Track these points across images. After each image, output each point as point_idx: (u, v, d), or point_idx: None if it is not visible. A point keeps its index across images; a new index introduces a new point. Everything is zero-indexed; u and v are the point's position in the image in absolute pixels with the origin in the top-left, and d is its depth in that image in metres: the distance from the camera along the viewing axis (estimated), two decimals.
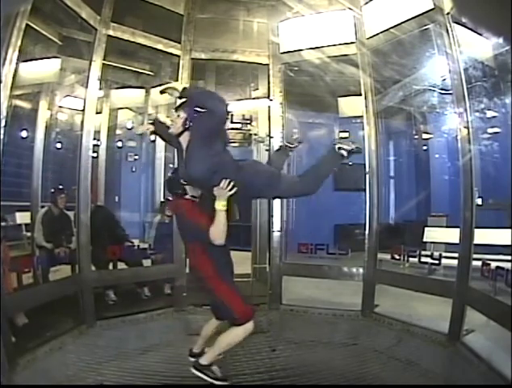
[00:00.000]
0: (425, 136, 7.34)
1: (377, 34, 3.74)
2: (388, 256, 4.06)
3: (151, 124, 2.74)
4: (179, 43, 4.10)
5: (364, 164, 3.97)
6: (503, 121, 5.22)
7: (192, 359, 2.53)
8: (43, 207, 4.26)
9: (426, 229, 5.72)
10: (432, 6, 3.23)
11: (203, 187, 2.41)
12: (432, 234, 5.54)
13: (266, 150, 4.38)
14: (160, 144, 5.28)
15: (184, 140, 2.36)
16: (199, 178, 2.29)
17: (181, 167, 2.39)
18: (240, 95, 4.98)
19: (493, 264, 3.00)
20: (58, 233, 4.05)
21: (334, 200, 7.25)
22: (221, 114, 2.25)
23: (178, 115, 2.34)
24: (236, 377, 2.42)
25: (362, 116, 3.98)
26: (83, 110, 3.55)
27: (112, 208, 5.31)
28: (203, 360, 2.38)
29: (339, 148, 2.56)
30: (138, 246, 4.33)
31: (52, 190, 4.30)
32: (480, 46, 3.61)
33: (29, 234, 4.26)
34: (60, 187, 4.32)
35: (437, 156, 7.21)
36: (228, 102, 2.33)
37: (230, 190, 2.22)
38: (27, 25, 2.77)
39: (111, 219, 4.59)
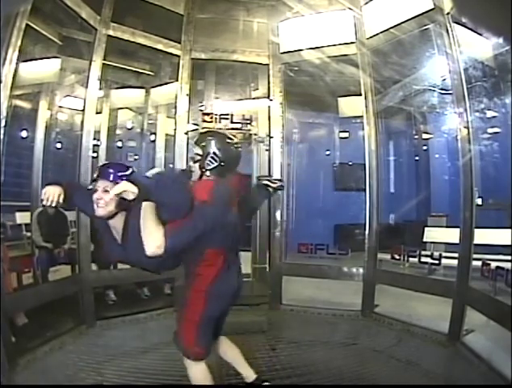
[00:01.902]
0: (425, 136, 7.35)
1: (377, 34, 3.74)
2: (388, 256, 4.06)
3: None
4: (179, 43, 4.10)
5: (364, 164, 3.97)
6: (503, 121, 5.21)
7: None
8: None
9: (426, 229, 5.72)
10: (432, 6, 3.24)
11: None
12: (432, 234, 5.54)
13: (266, 150, 4.38)
14: (160, 144, 5.28)
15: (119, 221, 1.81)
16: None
17: (115, 246, 1.86)
18: (240, 95, 4.97)
19: (493, 264, 3.01)
20: (54, 232, 4.04)
21: (334, 200, 7.26)
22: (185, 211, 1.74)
23: (106, 191, 1.72)
24: (236, 377, 2.41)
25: (362, 116, 3.99)
26: (83, 110, 3.55)
27: None
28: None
29: (265, 184, 2.40)
30: None
31: None
32: (480, 46, 3.61)
33: (29, 234, 4.25)
34: None
35: (437, 156, 7.21)
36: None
37: None
38: (27, 25, 2.77)
39: None
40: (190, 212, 1.74)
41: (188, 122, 4.21)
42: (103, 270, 3.91)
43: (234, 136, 2.09)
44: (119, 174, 1.75)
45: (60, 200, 1.82)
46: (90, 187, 1.85)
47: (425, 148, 7.55)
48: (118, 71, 4.78)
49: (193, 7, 4.16)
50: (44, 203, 1.80)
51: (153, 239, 1.63)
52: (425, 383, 2.59)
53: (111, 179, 1.74)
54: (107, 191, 1.72)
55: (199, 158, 1.97)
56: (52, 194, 1.79)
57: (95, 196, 1.75)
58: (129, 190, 1.66)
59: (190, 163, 2.03)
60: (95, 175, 1.81)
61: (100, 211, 1.75)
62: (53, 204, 1.81)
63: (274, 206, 4.25)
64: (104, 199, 1.73)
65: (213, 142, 1.96)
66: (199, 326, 1.91)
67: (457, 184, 3.26)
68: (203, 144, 1.96)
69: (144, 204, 1.68)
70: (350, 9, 3.91)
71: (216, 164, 1.95)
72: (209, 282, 1.91)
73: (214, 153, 1.94)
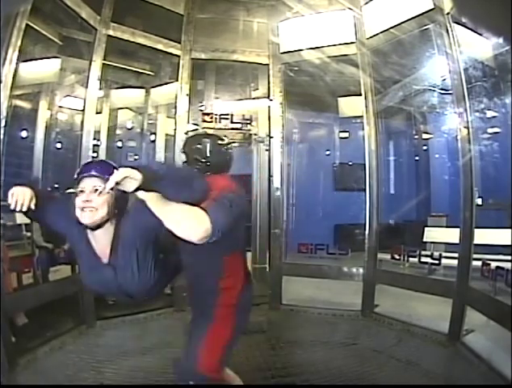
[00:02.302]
0: (425, 136, 7.34)
1: (377, 34, 3.74)
2: (388, 256, 4.06)
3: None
4: (179, 43, 4.10)
5: (364, 164, 3.97)
6: (503, 121, 5.21)
7: None
8: None
9: (426, 229, 5.72)
10: (432, 6, 3.24)
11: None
12: (432, 234, 5.54)
13: (266, 150, 4.38)
14: (160, 144, 5.28)
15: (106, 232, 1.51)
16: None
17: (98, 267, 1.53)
18: (240, 95, 4.97)
19: (493, 264, 3.01)
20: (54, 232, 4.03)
21: (334, 200, 7.26)
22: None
23: (96, 190, 1.42)
24: (237, 371, 2.41)
25: (362, 116, 3.99)
26: (83, 110, 3.55)
27: None
28: None
29: None
30: None
31: (49, 189, 4.28)
32: (480, 46, 3.61)
33: (29, 234, 4.25)
34: (56, 186, 4.31)
35: (437, 156, 7.21)
36: None
37: None
38: (27, 25, 2.77)
39: None
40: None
41: (188, 122, 4.21)
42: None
43: (225, 136, 2.01)
44: (112, 169, 1.38)
45: (32, 206, 1.43)
46: (71, 190, 1.47)
47: (425, 148, 7.54)
48: (118, 71, 4.78)
49: (193, 7, 4.16)
50: (12, 207, 1.40)
51: (198, 222, 1.25)
52: (426, 383, 2.59)
53: (103, 174, 1.40)
54: (97, 190, 1.41)
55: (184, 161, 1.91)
56: (21, 197, 1.41)
57: (81, 198, 1.41)
58: (132, 176, 1.19)
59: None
60: (77, 174, 1.46)
61: (88, 217, 1.40)
62: (23, 209, 1.42)
63: (274, 206, 4.25)
64: (94, 201, 1.40)
65: (196, 144, 1.87)
66: (226, 347, 1.68)
67: (457, 184, 3.27)
68: (187, 149, 1.89)
69: (149, 194, 1.23)
70: (350, 9, 3.91)
71: (200, 166, 1.83)
72: (237, 294, 1.72)
73: (206, 156, 1.83)
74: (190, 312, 1.88)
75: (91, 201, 1.40)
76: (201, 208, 1.30)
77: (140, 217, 1.40)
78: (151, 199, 1.24)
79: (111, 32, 3.63)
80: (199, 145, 1.86)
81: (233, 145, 4.49)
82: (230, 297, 1.70)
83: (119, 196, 1.45)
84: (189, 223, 1.25)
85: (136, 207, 1.42)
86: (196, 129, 4.34)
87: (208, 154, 1.84)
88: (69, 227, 1.52)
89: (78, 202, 1.42)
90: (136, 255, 1.49)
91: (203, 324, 1.70)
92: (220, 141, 1.90)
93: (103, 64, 3.64)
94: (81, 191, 1.43)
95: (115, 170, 1.27)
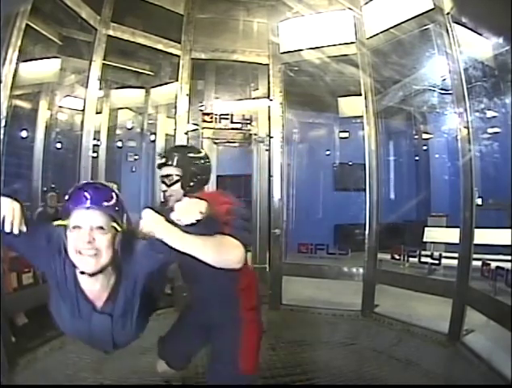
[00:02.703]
0: (425, 136, 7.34)
1: (377, 34, 3.74)
2: (388, 256, 4.06)
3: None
4: (179, 43, 4.10)
5: (364, 164, 3.97)
6: (503, 121, 5.21)
7: None
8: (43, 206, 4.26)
9: (426, 229, 5.72)
10: (432, 6, 3.24)
11: None
12: (432, 234, 5.54)
13: (266, 150, 4.38)
14: (160, 144, 5.28)
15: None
16: None
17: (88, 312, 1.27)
18: (240, 95, 4.97)
19: (493, 264, 3.01)
20: None
21: (334, 200, 7.26)
22: None
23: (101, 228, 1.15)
24: None
25: (362, 116, 3.99)
26: (83, 110, 3.55)
27: None
28: None
29: None
30: None
31: (45, 189, 4.29)
32: (480, 46, 3.61)
33: None
34: (52, 186, 4.31)
35: (437, 156, 7.21)
36: None
37: None
38: (27, 25, 2.77)
39: None
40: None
41: (188, 122, 4.21)
42: None
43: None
44: (110, 193, 1.17)
45: (23, 229, 1.15)
46: (59, 223, 1.15)
47: (425, 148, 7.55)
48: (118, 71, 4.79)
49: (193, 7, 4.16)
50: (7, 228, 1.12)
51: (234, 250, 1.30)
52: (426, 383, 2.59)
53: (100, 202, 1.14)
54: (101, 227, 1.12)
55: (177, 178, 1.72)
56: (11, 213, 1.13)
57: (80, 238, 1.11)
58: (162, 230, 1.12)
59: (164, 188, 1.74)
60: (68, 203, 1.15)
61: (89, 264, 1.12)
62: (15, 231, 1.13)
63: (274, 206, 4.25)
64: (97, 241, 1.11)
65: (191, 158, 1.77)
66: (259, 343, 1.75)
67: (457, 184, 3.27)
68: (182, 162, 1.74)
69: (172, 233, 1.15)
70: (350, 9, 3.91)
71: (196, 180, 1.74)
72: (255, 294, 1.79)
73: (194, 169, 1.75)
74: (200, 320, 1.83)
75: (93, 242, 1.11)
76: (228, 235, 1.32)
77: (148, 263, 1.23)
78: (175, 237, 1.16)
79: (111, 32, 3.63)
80: (198, 161, 1.78)
81: (233, 145, 4.47)
82: (251, 300, 1.74)
83: (127, 234, 1.20)
84: (227, 254, 1.29)
85: (143, 251, 1.22)
86: (196, 129, 4.34)
87: (206, 169, 1.80)
88: (52, 264, 1.21)
89: (75, 243, 1.12)
90: (139, 303, 1.28)
91: (233, 331, 1.69)
92: (203, 154, 1.85)
93: (103, 64, 3.64)
94: (77, 227, 1.12)
95: (113, 195, 1.16)
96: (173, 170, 1.73)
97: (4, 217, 1.12)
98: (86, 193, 1.14)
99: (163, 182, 1.75)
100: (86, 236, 1.10)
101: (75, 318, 1.26)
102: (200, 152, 1.88)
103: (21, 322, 3.13)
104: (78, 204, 1.13)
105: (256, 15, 4.32)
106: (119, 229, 1.15)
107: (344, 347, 3.21)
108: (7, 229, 1.12)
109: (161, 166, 1.76)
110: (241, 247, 1.31)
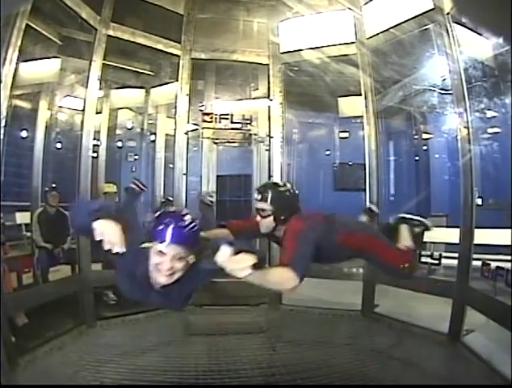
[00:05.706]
0: (425, 136, 7.33)
1: (377, 34, 3.75)
2: None
3: None
4: (179, 43, 4.11)
5: (364, 164, 3.97)
6: (503, 121, 5.21)
7: None
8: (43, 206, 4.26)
9: None
10: (432, 6, 3.24)
11: None
12: (432, 234, 5.52)
13: (266, 150, 4.38)
14: (160, 144, 5.28)
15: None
16: None
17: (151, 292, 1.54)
18: (240, 95, 4.97)
19: (493, 264, 3.01)
20: (54, 232, 4.04)
21: (334, 200, 7.25)
22: None
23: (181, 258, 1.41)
24: (237, 372, 2.42)
25: (362, 116, 3.99)
26: (83, 110, 3.55)
27: None
28: None
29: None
30: None
31: (46, 189, 4.29)
32: (480, 46, 3.61)
33: (29, 233, 4.25)
34: (53, 185, 4.31)
35: (437, 156, 7.20)
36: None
37: None
38: (27, 25, 2.77)
39: None
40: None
41: (188, 122, 4.21)
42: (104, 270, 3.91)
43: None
44: (193, 233, 1.42)
45: (122, 249, 1.29)
46: (145, 245, 1.40)
47: (425, 148, 7.54)
48: (118, 71, 4.79)
49: (193, 7, 4.17)
50: (107, 247, 1.28)
51: (284, 282, 1.58)
52: (426, 383, 2.59)
53: (188, 244, 1.39)
54: (182, 257, 1.38)
55: (269, 213, 1.99)
56: (112, 235, 1.28)
57: (162, 263, 1.36)
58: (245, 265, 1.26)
59: (259, 219, 2.01)
60: (155, 232, 1.39)
61: (164, 280, 1.39)
62: (114, 250, 1.28)
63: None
64: (175, 268, 1.38)
65: (282, 195, 2.04)
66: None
67: (457, 184, 3.27)
68: (275, 200, 1.99)
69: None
70: (350, 9, 3.92)
71: (286, 213, 1.98)
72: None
73: (285, 204, 2.00)
74: None
75: (172, 267, 1.37)
76: (285, 264, 1.61)
77: (204, 277, 1.59)
78: (241, 276, 1.30)
79: (111, 32, 3.63)
80: (288, 197, 2.05)
81: (233, 145, 4.48)
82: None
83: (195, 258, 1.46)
84: (279, 285, 1.63)
85: (204, 268, 1.51)
86: (196, 129, 4.34)
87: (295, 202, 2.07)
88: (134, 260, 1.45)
89: (157, 264, 1.38)
90: (191, 291, 1.62)
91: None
92: (293, 190, 2.12)
93: (103, 64, 3.64)
94: (161, 252, 1.37)
95: (193, 227, 1.42)
96: (267, 206, 1.99)
97: (104, 240, 1.27)
98: (171, 229, 1.38)
99: (258, 213, 2.03)
100: (168, 263, 1.36)
101: (138, 290, 1.54)
102: (290, 187, 2.12)
103: (21, 322, 3.13)
104: (164, 239, 1.37)
105: (256, 15, 4.32)
106: (194, 259, 1.42)
107: (344, 347, 3.21)
108: (106, 248, 1.29)
109: (257, 200, 2.05)
110: (292, 278, 1.57)
